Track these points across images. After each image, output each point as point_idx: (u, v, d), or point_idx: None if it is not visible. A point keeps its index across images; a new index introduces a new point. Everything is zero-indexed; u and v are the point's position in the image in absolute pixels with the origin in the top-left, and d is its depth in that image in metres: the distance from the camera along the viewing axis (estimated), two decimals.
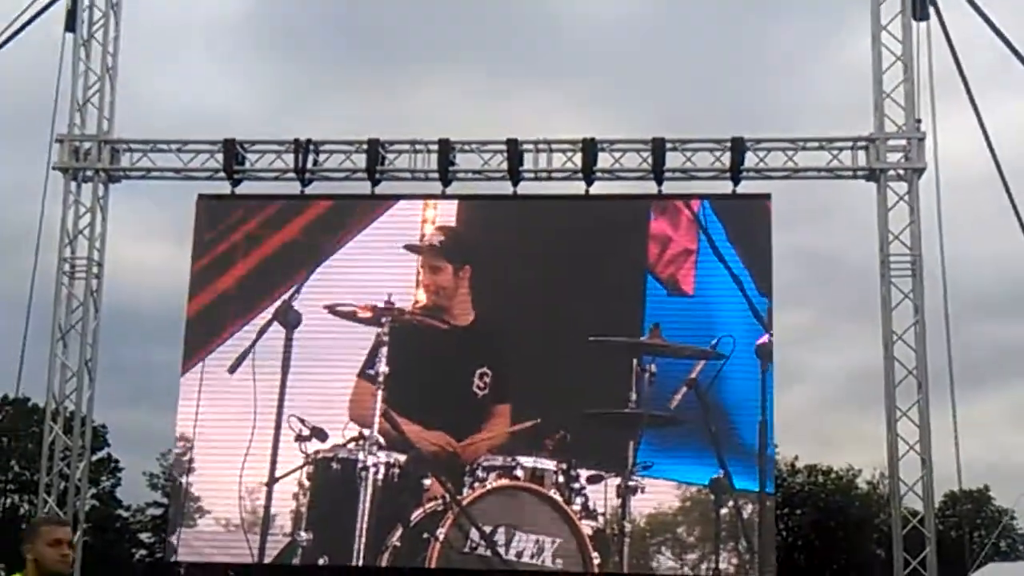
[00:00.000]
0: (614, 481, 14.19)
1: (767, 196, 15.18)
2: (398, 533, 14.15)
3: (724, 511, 14.26)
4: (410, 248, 15.05)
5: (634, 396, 14.31)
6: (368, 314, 14.62)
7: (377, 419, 14.39)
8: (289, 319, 14.84)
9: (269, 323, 14.91)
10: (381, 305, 14.57)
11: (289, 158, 15.48)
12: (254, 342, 14.90)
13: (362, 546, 14.24)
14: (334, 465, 14.45)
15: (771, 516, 14.42)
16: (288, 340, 14.81)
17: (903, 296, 14.56)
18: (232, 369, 14.89)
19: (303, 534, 14.32)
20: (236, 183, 15.68)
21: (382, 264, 15.08)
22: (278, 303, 14.98)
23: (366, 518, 14.24)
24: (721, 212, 14.95)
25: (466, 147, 15.48)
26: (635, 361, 14.34)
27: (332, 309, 14.81)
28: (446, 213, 15.30)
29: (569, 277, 14.97)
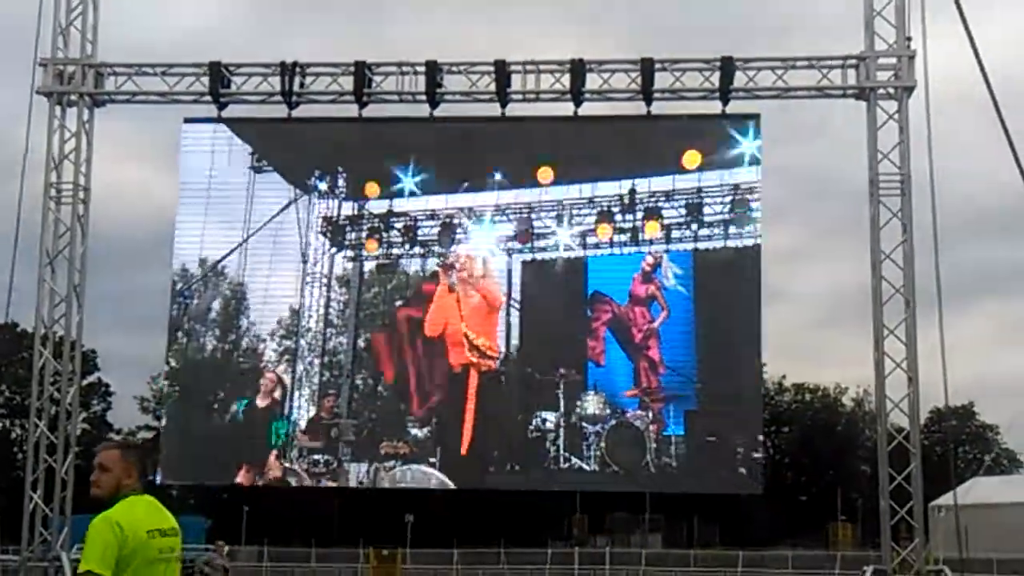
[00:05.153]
0: None
1: (756, 116, 15.11)
2: None
3: None
4: None
5: None
6: None
7: None
8: None
9: None
10: None
11: (275, 81, 15.33)
12: None
13: None
14: None
15: None
16: None
17: (891, 215, 14.55)
18: None
19: None
20: (222, 106, 15.55)
21: None
22: None
23: None
24: None
25: (454, 69, 15.34)
26: None
27: None
28: None
29: None
